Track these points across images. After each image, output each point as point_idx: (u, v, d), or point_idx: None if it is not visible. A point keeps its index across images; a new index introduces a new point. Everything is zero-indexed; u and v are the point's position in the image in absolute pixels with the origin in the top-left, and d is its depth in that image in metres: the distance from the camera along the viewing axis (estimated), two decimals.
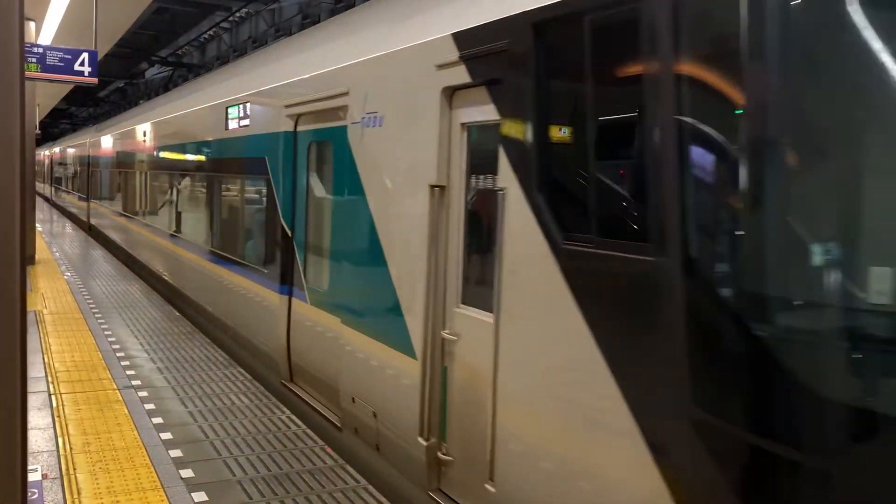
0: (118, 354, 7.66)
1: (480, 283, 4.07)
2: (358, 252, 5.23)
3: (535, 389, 3.44)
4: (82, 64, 11.29)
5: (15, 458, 1.65)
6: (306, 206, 6.30)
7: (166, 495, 4.43)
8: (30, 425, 5.39)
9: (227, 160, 8.71)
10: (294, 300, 6.49)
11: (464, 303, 4.19)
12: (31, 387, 6.39)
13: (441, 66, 4.19)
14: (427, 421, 4.34)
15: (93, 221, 21.41)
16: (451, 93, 4.21)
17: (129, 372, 7.02)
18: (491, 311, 3.75)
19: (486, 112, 3.90)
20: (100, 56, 12.84)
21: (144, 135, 13.71)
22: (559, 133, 3.39)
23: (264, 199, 7.18)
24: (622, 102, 3.05)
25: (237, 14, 20.84)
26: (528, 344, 3.48)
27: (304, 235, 6.31)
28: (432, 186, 4.27)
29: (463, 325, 4.17)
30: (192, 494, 4.45)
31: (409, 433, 4.49)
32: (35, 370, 6.93)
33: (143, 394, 6.36)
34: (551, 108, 3.38)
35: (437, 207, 4.26)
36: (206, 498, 4.42)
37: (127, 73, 30.15)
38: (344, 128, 5.40)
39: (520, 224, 3.49)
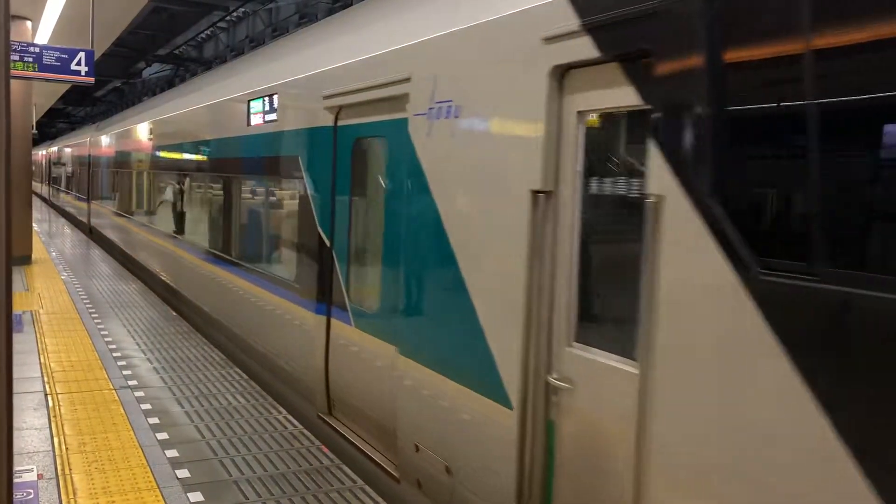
0: (114, 354, 7.65)
1: (607, 318, 3.26)
2: (423, 269, 4.35)
3: (713, 465, 2.59)
4: (79, 63, 11.26)
5: (1, 456, 1.64)
6: (349, 212, 5.42)
7: (162, 495, 4.41)
8: (26, 425, 5.42)
9: (250, 160, 7.68)
10: (334, 321, 5.61)
11: (580, 341, 3.31)
12: (27, 387, 6.38)
13: (550, 39, 3.32)
14: (528, 487, 3.53)
15: (93, 223, 20.93)
16: (562, 73, 3.34)
17: (125, 372, 7.00)
18: (630, 357, 2.98)
19: (618, 96, 3.07)
20: (97, 55, 12.80)
21: (152, 133, 12.98)
22: (758, 122, 2.52)
23: (296, 203, 6.29)
24: (868, 78, 2.22)
25: (234, 14, 20.85)
26: (699, 405, 2.62)
27: (348, 246, 5.42)
28: (535, 192, 3.43)
29: (580, 370, 3.27)
30: (188, 495, 4.44)
31: (499, 499, 3.67)
32: (31, 370, 6.91)
33: (140, 394, 6.35)
34: (743, 90, 2.53)
35: (540, 218, 3.42)
36: (202, 498, 4.40)
37: (124, 73, 30.14)
38: (403, 121, 4.58)
39: (685, 243, 2.66)
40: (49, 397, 6.16)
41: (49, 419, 5.63)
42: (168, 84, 26.83)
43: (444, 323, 4.13)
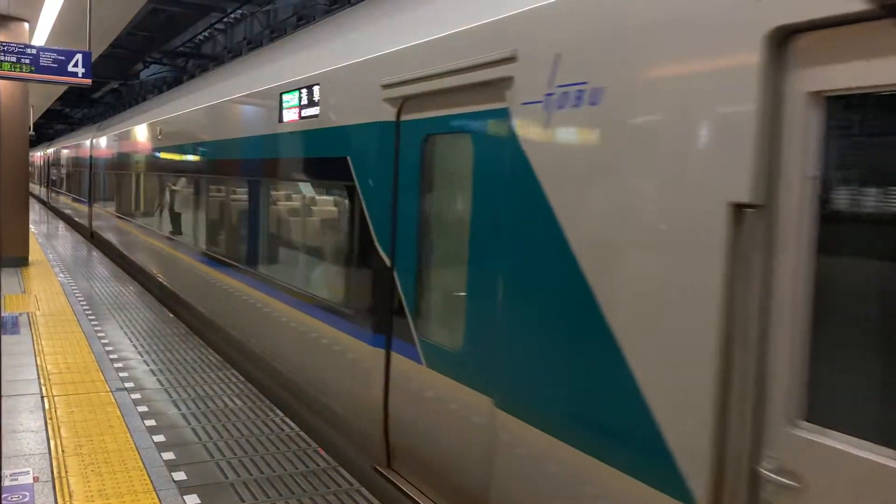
0: (111, 356, 7.63)
1: (862, 392, 2.29)
2: (535, 302, 3.42)
3: None
4: (76, 65, 11.23)
5: None
6: (418, 225, 4.47)
7: (158, 498, 4.40)
8: (21, 427, 5.41)
9: (286, 161, 6.61)
10: (396, 356, 4.66)
11: (812, 420, 2.38)
12: (23, 389, 6.37)
13: None
14: None
15: (95, 226, 20.41)
16: (783, 39, 2.40)
17: (122, 374, 6.99)
18: None
19: (890, 67, 2.15)
20: (94, 57, 12.80)
21: (160, 132, 12.13)
22: None
23: (346, 213, 5.38)
24: None
25: (232, 15, 20.86)
26: None
27: (416, 267, 4.48)
28: (736, 206, 2.52)
29: (813, 463, 2.35)
30: (185, 497, 4.43)
31: None
32: (28, 372, 6.90)
33: (136, 396, 6.34)
34: None
35: (744, 243, 2.51)
36: (198, 500, 4.39)
37: (122, 74, 30.14)
38: (501, 112, 3.68)
39: None
40: (45, 399, 6.15)
41: (45, 421, 5.61)
42: (167, 85, 26.82)
43: (572, 375, 3.20)
